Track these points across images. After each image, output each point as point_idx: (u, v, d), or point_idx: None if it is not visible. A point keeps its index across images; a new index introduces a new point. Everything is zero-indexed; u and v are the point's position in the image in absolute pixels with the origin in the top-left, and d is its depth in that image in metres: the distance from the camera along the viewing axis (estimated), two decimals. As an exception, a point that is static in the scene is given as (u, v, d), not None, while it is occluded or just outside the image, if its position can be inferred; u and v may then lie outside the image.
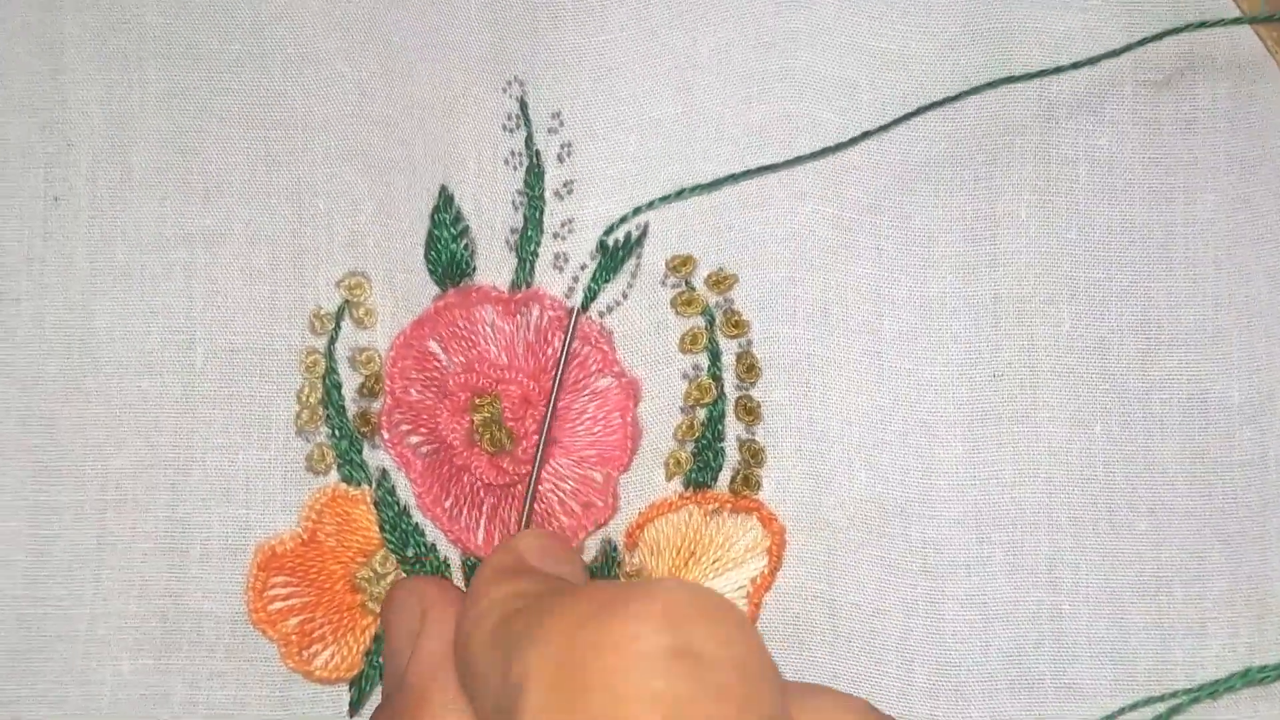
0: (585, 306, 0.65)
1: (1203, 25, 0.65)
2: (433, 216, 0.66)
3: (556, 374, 0.64)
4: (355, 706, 0.66)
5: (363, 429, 0.66)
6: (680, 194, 0.65)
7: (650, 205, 0.65)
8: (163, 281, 0.66)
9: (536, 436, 0.64)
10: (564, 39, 0.66)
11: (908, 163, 0.66)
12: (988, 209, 0.66)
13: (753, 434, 0.65)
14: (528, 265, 0.66)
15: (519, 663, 0.40)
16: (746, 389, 0.65)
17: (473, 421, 0.65)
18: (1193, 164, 0.66)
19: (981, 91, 0.65)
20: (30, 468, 0.66)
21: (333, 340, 0.66)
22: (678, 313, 0.66)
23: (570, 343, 0.64)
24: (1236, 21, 0.65)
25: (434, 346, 0.66)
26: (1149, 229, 0.66)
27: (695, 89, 0.66)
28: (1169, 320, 0.65)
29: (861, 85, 0.66)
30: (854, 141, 0.65)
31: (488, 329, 0.66)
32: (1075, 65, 0.65)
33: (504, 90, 0.66)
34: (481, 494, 0.65)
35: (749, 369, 0.65)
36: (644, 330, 0.66)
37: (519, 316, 0.66)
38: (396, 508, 0.66)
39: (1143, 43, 0.65)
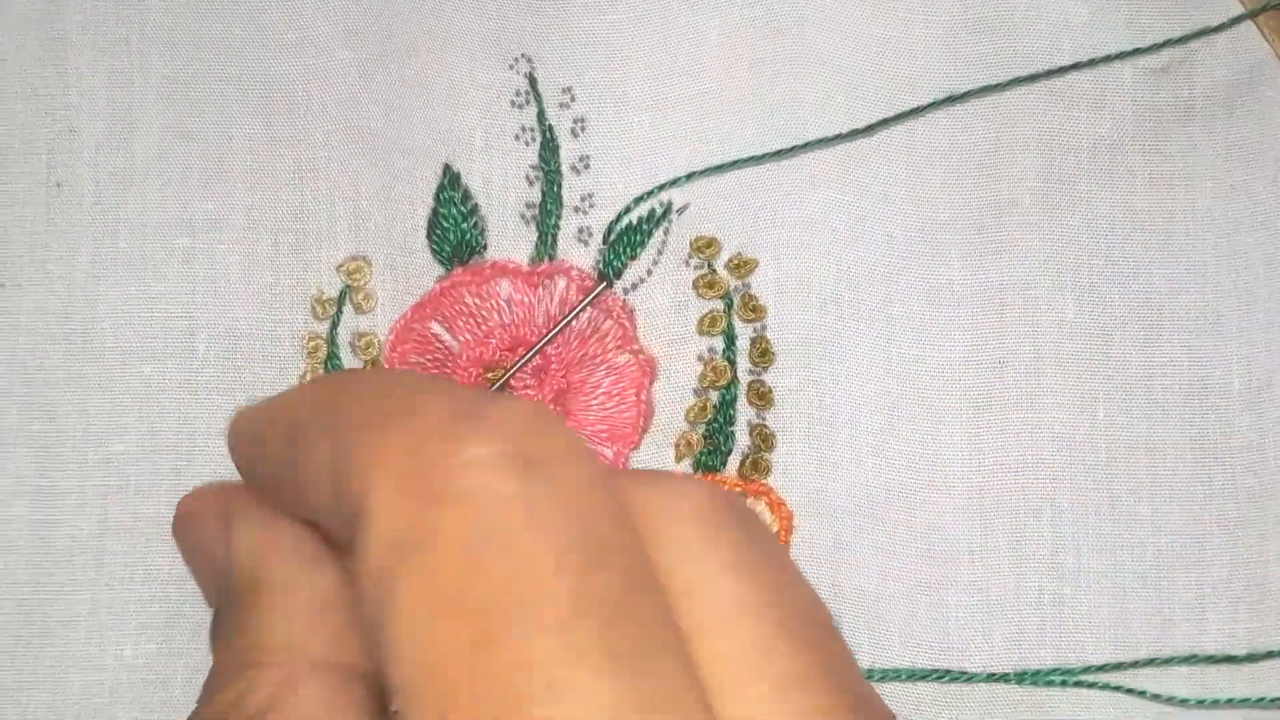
0: (611, 281, 0.65)
1: (1202, 34, 0.66)
2: (438, 195, 0.66)
3: (563, 322, 0.65)
4: (353, 692, 0.66)
5: (363, 415, 0.66)
6: (703, 172, 0.65)
7: (675, 182, 0.65)
8: (165, 267, 0.66)
9: (553, 406, 0.65)
10: (570, 18, 0.66)
11: (914, 150, 0.66)
12: (992, 196, 0.66)
13: (763, 419, 0.66)
14: (549, 239, 0.66)
15: (358, 473, 0.39)
16: (759, 374, 0.66)
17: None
18: (1192, 151, 0.66)
19: (991, 92, 0.66)
20: (32, 454, 0.66)
21: (334, 325, 0.66)
22: (699, 294, 0.66)
23: (584, 305, 0.65)
24: (1235, 21, 0.66)
25: (436, 328, 0.66)
26: (1150, 216, 0.66)
27: (706, 71, 0.66)
28: (1170, 307, 0.66)
29: (866, 71, 0.66)
30: (870, 129, 0.65)
31: (503, 303, 0.66)
32: (1076, 66, 0.66)
33: (511, 66, 0.66)
34: None
35: (763, 354, 0.66)
36: (664, 309, 0.66)
37: (541, 290, 0.66)
38: None
39: (1138, 52, 0.66)
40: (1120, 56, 0.66)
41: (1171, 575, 0.65)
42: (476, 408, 0.39)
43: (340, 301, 0.66)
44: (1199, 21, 0.66)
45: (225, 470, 0.65)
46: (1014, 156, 0.66)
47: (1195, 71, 0.66)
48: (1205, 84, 0.66)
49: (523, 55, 0.66)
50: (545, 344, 0.65)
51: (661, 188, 0.66)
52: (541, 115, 0.66)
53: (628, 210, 0.66)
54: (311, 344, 0.66)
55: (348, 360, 0.66)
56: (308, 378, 0.66)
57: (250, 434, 0.49)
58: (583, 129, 0.66)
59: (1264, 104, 0.66)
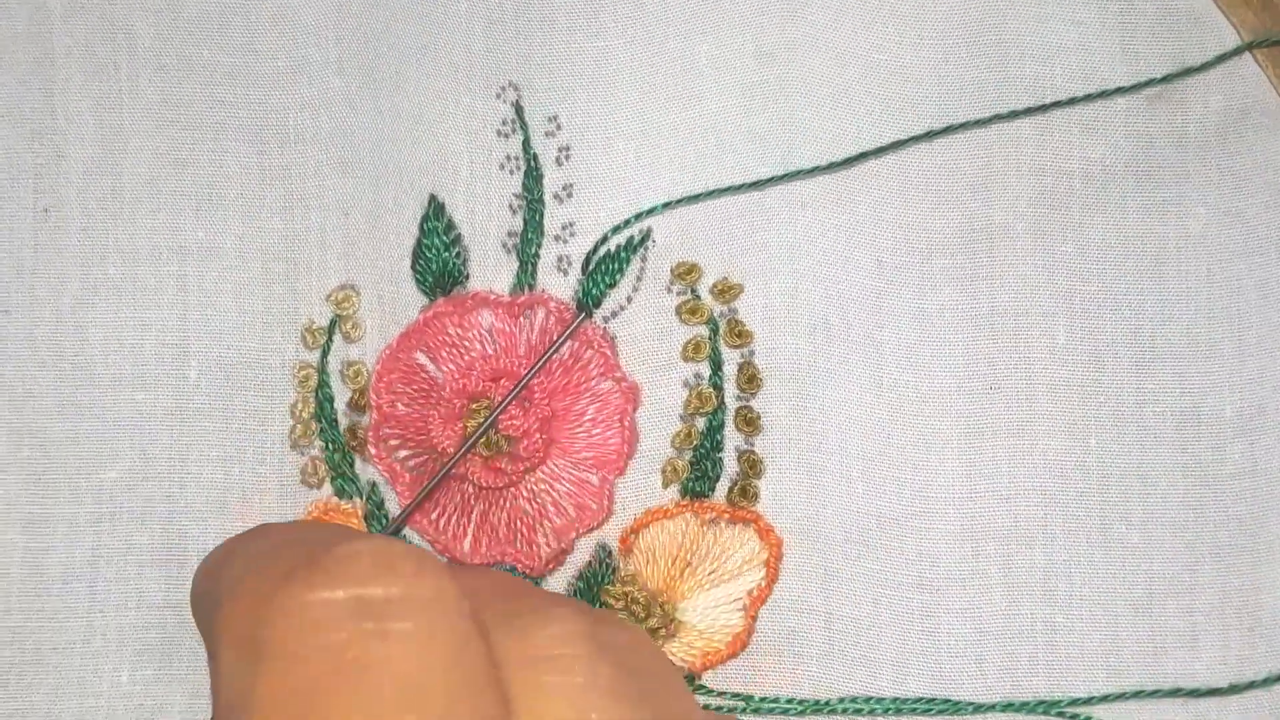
0: (590, 312, 0.65)
1: (1188, 72, 0.66)
2: (422, 225, 0.66)
3: (540, 361, 0.65)
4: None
5: (352, 443, 0.66)
6: (681, 201, 0.65)
7: (652, 211, 0.65)
8: (155, 294, 0.66)
9: (538, 435, 0.65)
10: (558, 45, 0.66)
11: (906, 174, 0.66)
12: (984, 222, 0.66)
13: (751, 445, 0.65)
14: (529, 268, 0.66)
15: (215, 635, 0.41)
16: (747, 400, 0.66)
17: (465, 428, 0.65)
18: (1185, 177, 0.66)
19: (983, 125, 0.66)
20: (23, 480, 0.66)
21: (324, 354, 0.66)
22: (682, 320, 0.66)
23: (564, 340, 0.65)
24: (1223, 58, 0.65)
25: (421, 358, 0.66)
26: (1142, 242, 0.66)
27: (694, 97, 0.66)
28: (1162, 333, 0.66)
29: (858, 95, 0.66)
30: (857, 159, 0.65)
31: (485, 333, 0.66)
32: (1071, 101, 0.66)
33: (498, 96, 0.66)
34: (471, 501, 0.66)
35: (750, 379, 0.65)
36: (647, 336, 0.66)
37: (522, 319, 0.66)
38: (384, 521, 0.66)
39: (1120, 91, 0.66)
40: (1104, 95, 0.66)
41: (1163, 603, 0.65)
42: (317, 555, 0.40)
43: (330, 330, 0.66)
44: (1192, 47, 0.66)
45: (216, 498, 0.66)
46: (1006, 181, 0.66)
47: (1188, 98, 0.66)
48: (1199, 110, 0.66)
49: (510, 83, 0.66)
50: (528, 380, 0.65)
51: (639, 216, 0.65)
52: (527, 144, 0.66)
53: (604, 240, 0.66)
54: (303, 373, 0.66)
55: (338, 388, 0.66)
56: (299, 407, 0.66)
57: (197, 578, 0.50)
58: (567, 157, 0.66)
59: (1257, 130, 0.66)
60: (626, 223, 0.65)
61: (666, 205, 0.65)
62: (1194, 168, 0.66)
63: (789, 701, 0.65)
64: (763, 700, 0.65)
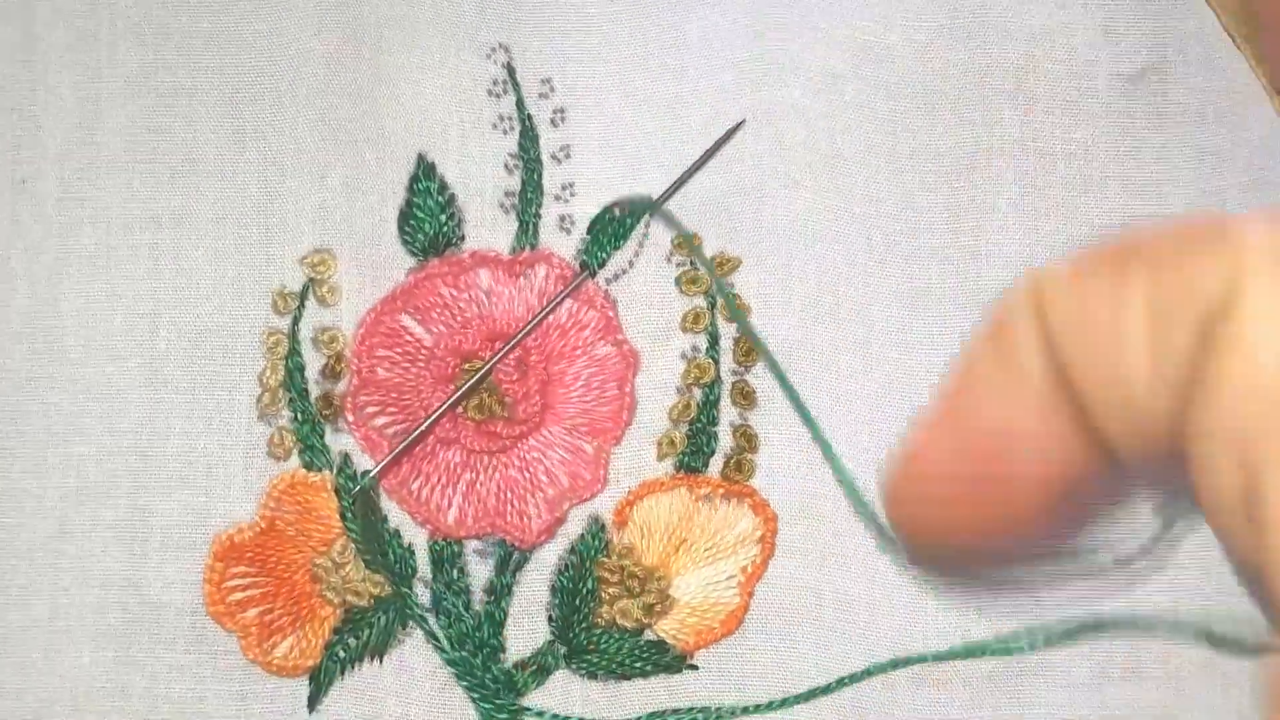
0: (593, 270, 0.65)
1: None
2: (411, 186, 0.65)
3: (543, 312, 0.64)
4: (314, 701, 0.64)
5: (325, 412, 0.65)
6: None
7: (643, 193, 0.65)
8: (129, 264, 0.65)
9: (537, 397, 0.64)
10: (550, 9, 0.66)
11: (895, 154, 0.66)
12: (969, 201, 0.66)
13: (746, 419, 0.65)
14: (530, 227, 0.65)
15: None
16: (743, 374, 0.65)
17: (458, 390, 0.64)
18: (1164, 157, 0.67)
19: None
20: None
21: (296, 320, 0.65)
22: (682, 291, 0.66)
23: (566, 294, 0.64)
24: None
25: (407, 321, 0.65)
26: (1124, 221, 0.67)
27: (686, 71, 0.66)
28: (1143, 312, 0.66)
29: (846, 77, 0.66)
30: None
31: (481, 294, 0.65)
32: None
33: (488, 56, 0.66)
34: (458, 470, 0.64)
35: (747, 353, 0.65)
36: (647, 304, 0.66)
37: (521, 279, 0.65)
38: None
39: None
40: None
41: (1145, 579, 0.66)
42: None
43: (303, 295, 0.65)
44: (1174, 29, 0.67)
45: (181, 471, 0.64)
46: (992, 162, 0.66)
47: (1169, 79, 0.67)
48: (1179, 91, 0.67)
49: (500, 45, 0.66)
50: (524, 335, 0.64)
51: (636, 212, 0.65)
52: (520, 104, 0.66)
53: (609, 208, 0.65)
54: (272, 339, 0.65)
55: (309, 356, 0.65)
56: (267, 374, 0.65)
57: None
58: (563, 119, 0.66)
59: (1234, 111, 0.67)
60: (611, 212, 0.65)
61: (663, 193, 0.65)
62: (1173, 148, 0.67)
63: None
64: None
